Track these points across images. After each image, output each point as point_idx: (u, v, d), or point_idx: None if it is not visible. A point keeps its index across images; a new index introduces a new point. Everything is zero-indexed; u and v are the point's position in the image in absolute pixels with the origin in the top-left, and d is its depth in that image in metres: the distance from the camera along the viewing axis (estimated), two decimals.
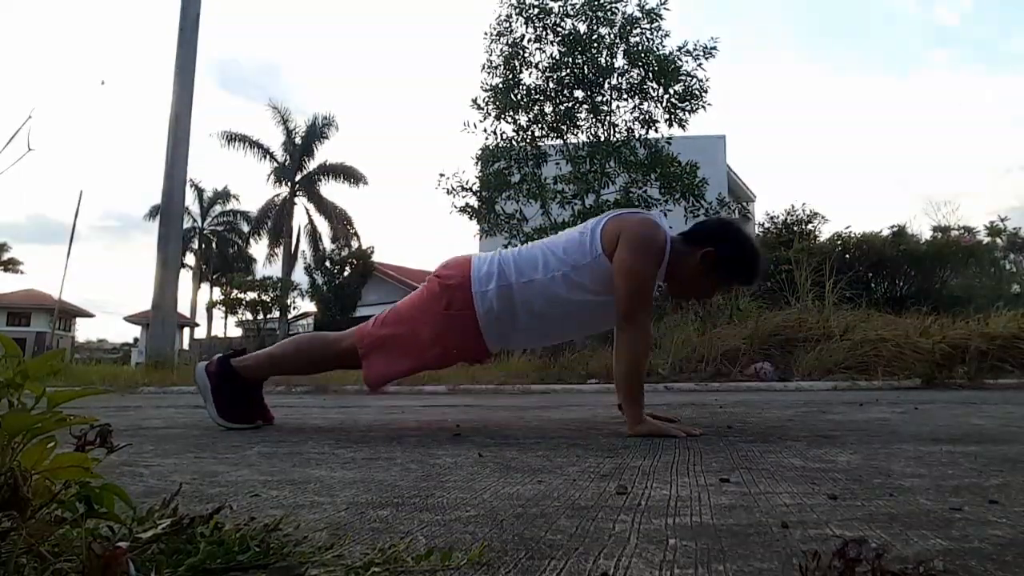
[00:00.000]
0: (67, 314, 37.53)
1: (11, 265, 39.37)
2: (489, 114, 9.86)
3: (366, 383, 2.16)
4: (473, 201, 10.05)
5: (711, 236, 2.08)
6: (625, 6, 9.68)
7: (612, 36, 9.71)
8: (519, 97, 9.81)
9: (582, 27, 9.77)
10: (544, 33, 9.79)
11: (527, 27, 9.83)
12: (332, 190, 34.14)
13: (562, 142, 9.96)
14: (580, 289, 2.03)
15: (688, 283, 2.12)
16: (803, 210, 14.78)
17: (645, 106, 9.84)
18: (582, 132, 9.97)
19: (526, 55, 9.86)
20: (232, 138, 28.32)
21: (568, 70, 9.78)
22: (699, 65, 9.58)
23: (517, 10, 9.76)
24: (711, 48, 9.56)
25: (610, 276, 1.98)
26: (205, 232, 34.90)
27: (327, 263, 21.35)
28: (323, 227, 29.58)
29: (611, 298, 2.00)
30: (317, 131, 28.85)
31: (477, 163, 10.39)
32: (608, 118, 9.93)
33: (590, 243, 2.03)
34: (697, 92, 9.62)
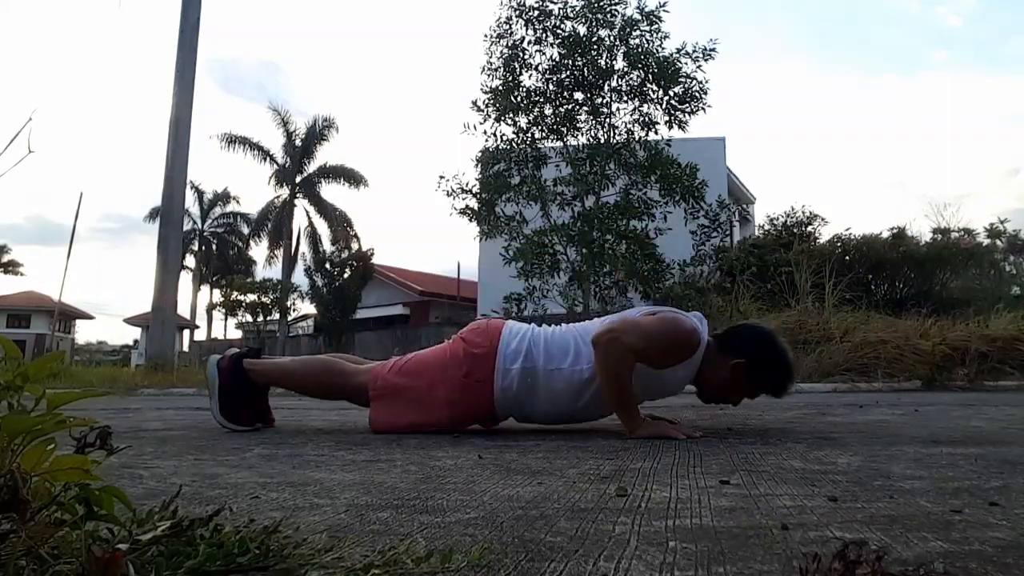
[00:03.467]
0: (67, 316, 37.53)
1: (11, 267, 39.40)
2: (489, 116, 9.87)
3: (370, 425, 2.13)
4: (473, 203, 10.05)
5: (744, 346, 2.04)
6: (625, 8, 9.71)
7: (612, 38, 9.72)
8: (519, 99, 9.82)
9: (582, 29, 9.78)
10: (544, 35, 9.80)
11: (527, 29, 9.84)
12: (332, 192, 34.20)
13: (562, 144, 9.97)
14: None
15: (717, 389, 2.09)
16: (803, 212, 14.82)
17: (645, 108, 9.85)
18: (582, 134, 9.98)
19: (526, 57, 9.87)
20: (232, 140, 28.33)
21: (568, 72, 9.79)
22: (699, 67, 9.59)
23: (517, 12, 9.77)
24: (710, 50, 9.57)
25: (635, 373, 1.94)
26: (205, 234, 34.91)
27: (327, 265, 21.33)
28: (323, 229, 29.60)
29: (633, 387, 1.96)
30: (317, 133, 28.86)
31: (477, 165, 10.40)
32: (608, 120, 9.93)
33: None
34: (697, 94, 9.63)
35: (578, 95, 9.95)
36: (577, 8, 9.74)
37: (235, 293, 22.67)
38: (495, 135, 9.92)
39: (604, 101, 9.92)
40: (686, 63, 9.58)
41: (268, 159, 29.01)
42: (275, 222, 30.26)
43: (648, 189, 9.67)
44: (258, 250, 33.35)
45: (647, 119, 9.82)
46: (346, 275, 21.07)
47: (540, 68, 9.89)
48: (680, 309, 2.17)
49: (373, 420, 2.13)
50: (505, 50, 9.89)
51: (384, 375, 2.14)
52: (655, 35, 9.65)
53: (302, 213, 29.88)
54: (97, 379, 7.84)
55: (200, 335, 33.15)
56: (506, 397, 2.06)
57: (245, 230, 34.34)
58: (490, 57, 9.98)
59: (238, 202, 35.23)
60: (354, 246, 24.62)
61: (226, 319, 26.95)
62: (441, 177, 9.94)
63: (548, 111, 9.89)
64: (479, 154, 10.31)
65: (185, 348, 25.18)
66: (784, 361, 2.06)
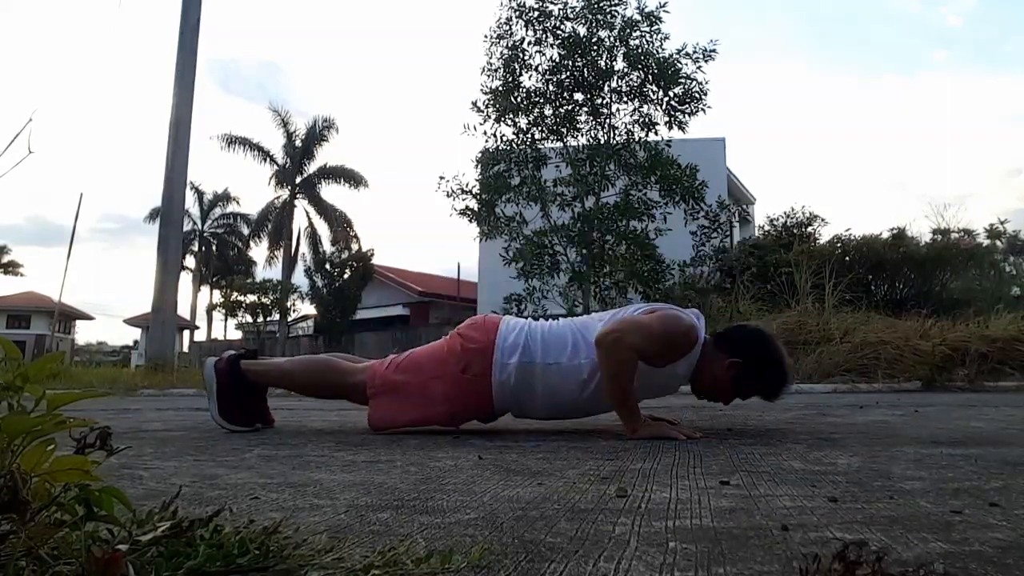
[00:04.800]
0: (67, 316, 37.52)
1: (11, 267, 39.37)
2: (489, 117, 9.88)
3: (369, 423, 2.13)
4: (473, 204, 10.06)
5: (740, 347, 2.03)
6: (624, 9, 9.72)
7: (612, 39, 9.73)
8: (519, 100, 9.83)
9: (582, 30, 9.79)
10: (544, 36, 9.81)
11: (527, 30, 9.85)
12: (332, 192, 34.12)
13: (562, 145, 9.98)
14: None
15: (711, 385, 2.08)
16: (803, 212, 14.78)
17: (645, 109, 9.86)
18: (582, 135, 9.99)
19: (526, 58, 9.88)
20: (232, 141, 28.34)
21: (568, 73, 9.80)
22: (699, 68, 9.61)
23: (517, 13, 9.79)
24: (710, 51, 9.58)
25: (637, 371, 1.93)
26: (205, 235, 34.90)
27: (327, 266, 21.38)
28: (323, 230, 29.60)
29: (634, 386, 1.96)
30: (317, 133, 28.87)
31: (477, 166, 10.41)
32: (608, 121, 9.94)
33: None
34: (697, 95, 9.64)
35: (578, 96, 9.96)
36: (577, 9, 9.76)
37: (235, 294, 22.70)
38: (495, 136, 9.94)
39: (604, 102, 9.93)
40: (686, 64, 9.60)
41: (268, 159, 29.03)
42: (275, 223, 30.26)
43: (648, 190, 9.67)
44: (258, 251, 33.37)
45: (647, 120, 9.83)
46: (346, 276, 21.11)
47: (540, 69, 9.91)
48: (677, 306, 2.16)
49: (372, 418, 2.13)
50: (505, 51, 9.90)
51: (382, 372, 2.14)
52: (655, 36, 9.66)
53: (302, 214, 29.90)
54: (97, 380, 7.84)
55: (200, 336, 33.17)
56: (504, 391, 2.05)
57: (245, 231, 34.33)
58: (490, 58, 10.01)
59: (238, 203, 35.21)
60: (354, 247, 24.66)
61: (226, 320, 26.99)
62: (441, 178, 9.97)
63: (548, 112, 9.91)
64: (479, 155, 10.32)
65: (185, 349, 25.20)
66: (779, 365, 2.04)
